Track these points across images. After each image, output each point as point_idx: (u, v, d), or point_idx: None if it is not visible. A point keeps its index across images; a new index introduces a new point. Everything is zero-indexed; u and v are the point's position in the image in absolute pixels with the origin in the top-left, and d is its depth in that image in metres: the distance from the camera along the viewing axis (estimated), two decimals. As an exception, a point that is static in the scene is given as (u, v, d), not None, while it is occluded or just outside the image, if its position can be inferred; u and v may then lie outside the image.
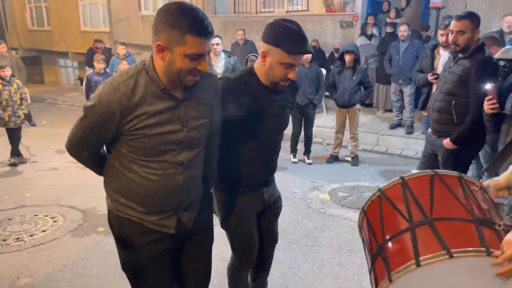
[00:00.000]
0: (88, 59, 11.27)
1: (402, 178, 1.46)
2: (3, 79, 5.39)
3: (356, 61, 5.12)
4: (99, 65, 6.48)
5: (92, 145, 1.49)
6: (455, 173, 1.48)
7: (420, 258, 1.19)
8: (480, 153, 3.88)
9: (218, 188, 1.93)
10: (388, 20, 7.84)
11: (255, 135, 1.84)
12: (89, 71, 11.08)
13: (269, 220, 2.10)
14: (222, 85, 1.75)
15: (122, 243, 1.58)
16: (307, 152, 5.51)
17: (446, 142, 2.82)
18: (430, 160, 3.11)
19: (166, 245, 1.59)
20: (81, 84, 12.23)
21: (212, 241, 1.83)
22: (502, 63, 3.65)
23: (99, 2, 12.76)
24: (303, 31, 1.69)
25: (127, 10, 11.71)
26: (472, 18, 2.71)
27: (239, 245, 2.02)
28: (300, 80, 5.02)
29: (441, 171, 1.48)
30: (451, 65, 2.87)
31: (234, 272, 2.14)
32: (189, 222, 1.62)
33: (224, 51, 5.30)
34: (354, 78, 5.09)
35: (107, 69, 6.81)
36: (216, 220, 1.89)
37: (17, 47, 14.72)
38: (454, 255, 1.16)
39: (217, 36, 5.32)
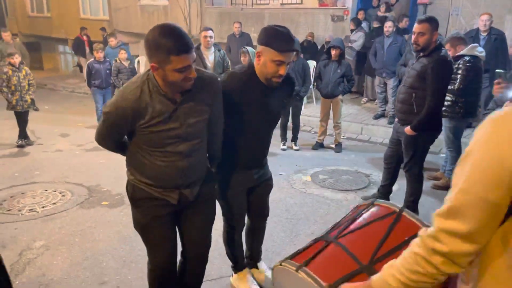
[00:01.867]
0: (75, 47, 11.61)
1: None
2: (13, 66, 5.77)
3: (341, 55, 5.51)
4: (98, 54, 6.96)
5: (114, 138, 1.93)
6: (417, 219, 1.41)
7: (305, 268, 1.33)
8: (444, 140, 4.35)
9: (217, 166, 2.29)
10: (379, 14, 8.21)
11: (249, 124, 2.18)
12: (79, 58, 11.49)
13: (259, 195, 2.49)
14: (229, 77, 2.14)
15: (134, 205, 1.99)
16: (294, 139, 5.94)
17: (407, 129, 3.25)
18: (396, 145, 3.56)
19: (168, 209, 1.97)
20: (80, 71, 12.58)
21: (213, 214, 2.17)
22: (467, 58, 4.09)
23: (99, -10, 12.99)
24: (291, 33, 2.03)
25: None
26: (431, 22, 3.12)
27: (229, 213, 2.43)
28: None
29: (407, 212, 1.44)
30: (413, 62, 3.29)
31: (227, 238, 2.54)
32: (190, 196, 1.99)
33: (214, 44, 5.45)
34: (339, 71, 5.49)
35: (106, 58, 7.23)
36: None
37: (16, 33, 14.92)
38: (299, 271, 1.31)
39: (210, 29, 5.45)
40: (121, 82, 7.14)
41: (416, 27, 3.14)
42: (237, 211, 2.43)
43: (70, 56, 14.61)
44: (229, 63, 5.65)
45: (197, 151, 1.94)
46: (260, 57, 2.06)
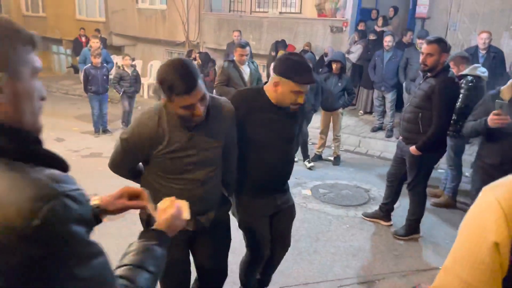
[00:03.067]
0: (74, 48, 11.50)
1: None
2: None
3: (342, 69, 5.51)
4: (96, 60, 6.72)
5: (129, 165, 1.90)
6: None
7: None
8: (445, 158, 4.36)
9: (236, 192, 2.23)
10: (376, 28, 8.26)
11: (263, 145, 2.13)
12: (77, 59, 11.27)
13: (281, 222, 2.38)
14: (235, 96, 2.12)
15: None
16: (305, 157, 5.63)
17: (412, 149, 3.25)
18: (399, 163, 3.55)
19: (185, 235, 1.88)
20: (75, 72, 12.46)
21: (227, 239, 2.13)
22: (469, 78, 4.12)
23: (96, -9, 12.89)
24: (307, 62, 2.04)
25: (123, 1, 11.89)
26: (440, 43, 3.13)
27: (252, 243, 2.33)
28: None
29: None
30: (421, 82, 3.30)
31: (246, 267, 2.46)
32: (206, 222, 1.96)
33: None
34: (339, 84, 5.49)
35: (104, 64, 7.02)
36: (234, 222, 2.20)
37: (10, 31, 14.73)
38: None
39: (247, 45, 4.93)
40: (122, 89, 6.99)
41: (424, 47, 3.14)
42: (260, 240, 2.30)
43: (64, 57, 14.48)
44: (261, 76, 5.32)
45: (213, 178, 1.91)
46: (278, 87, 2.05)
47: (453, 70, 4.08)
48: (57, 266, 0.74)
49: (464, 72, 4.08)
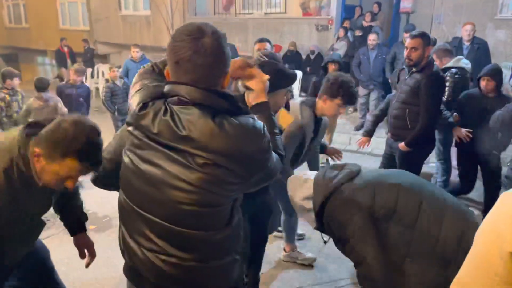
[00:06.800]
0: (57, 59, 11.31)
1: None
2: (8, 89, 4.69)
3: (339, 71, 4.90)
4: (74, 77, 5.26)
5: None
6: None
7: None
8: (434, 151, 4.34)
9: None
10: (364, 24, 8.27)
11: None
12: (61, 69, 10.96)
13: (259, 217, 2.35)
14: None
15: None
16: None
17: (401, 145, 3.22)
18: (389, 160, 3.52)
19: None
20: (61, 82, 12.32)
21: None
22: (454, 70, 4.11)
23: (78, 0, 12.78)
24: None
25: (107, 9, 11.80)
26: (424, 37, 3.11)
27: None
28: None
29: None
30: (406, 77, 3.27)
31: None
32: None
33: None
34: None
35: (85, 82, 5.86)
36: None
37: (-6, 44, 14.56)
38: None
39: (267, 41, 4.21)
40: (115, 107, 5.83)
41: (408, 42, 3.12)
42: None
43: (49, 67, 14.32)
44: None
45: None
46: None
47: (436, 63, 4.07)
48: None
49: (448, 65, 4.07)
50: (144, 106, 1.25)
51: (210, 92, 1.20)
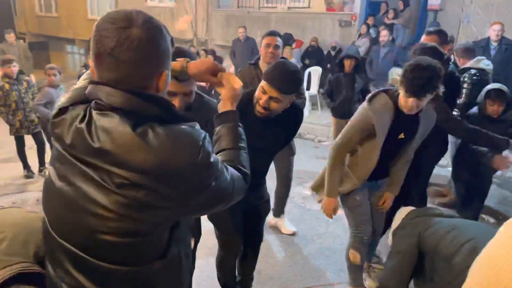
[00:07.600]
0: (88, 49, 11.56)
1: None
2: (9, 77, 4.49)
3: (356, 67, 4.57)
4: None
5: None
6: None
7: None
8: (450, 155, 4.15)
9: None
10: (386, 21, 8.03)
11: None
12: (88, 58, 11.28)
13: (252, 220, 2.33)
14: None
15: None
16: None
17: (412, 147, 3.08)
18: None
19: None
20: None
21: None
22: (473, 71, 3.91)
23: (106, -9, 13.00)
24: (296, 73, 1.93)
25: (134, 1, 11.93)
26: (440, 34, 2.96)
27: (222, 238, 2.30)
28: None
29: None
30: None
31: (220, 261, 2.40)
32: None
33: None
34: (356, 85, 4.57)
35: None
36: None
37: (25, 32, 15.02)
38: None
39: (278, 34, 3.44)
40: None
41: (424, 38, 2.98)
42: (230, 237, 2.27)
43: (77, 56, 14.66)
44: None
45: None
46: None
47: (459, 62, 3.88)
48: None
49: (467, 65, 3.87)
50: (60, 111, 1.04)
51: (134, 95, 0.97)
